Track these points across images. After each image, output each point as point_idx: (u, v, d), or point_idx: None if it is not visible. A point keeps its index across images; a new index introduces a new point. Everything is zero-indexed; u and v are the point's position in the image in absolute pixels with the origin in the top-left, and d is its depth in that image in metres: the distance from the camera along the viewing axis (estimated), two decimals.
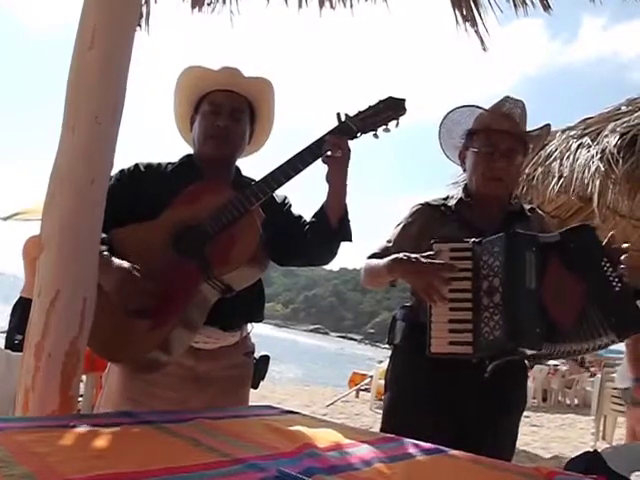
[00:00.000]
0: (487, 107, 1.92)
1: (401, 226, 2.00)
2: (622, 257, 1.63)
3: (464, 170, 2.03)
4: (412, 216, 1.99)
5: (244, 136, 1.81)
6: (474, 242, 1.73)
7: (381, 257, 1.87)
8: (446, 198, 2.01)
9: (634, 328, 1.65)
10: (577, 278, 1.63)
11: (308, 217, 1.74)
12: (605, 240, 1.68)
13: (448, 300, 1.69)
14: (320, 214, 1.67)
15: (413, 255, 1.74)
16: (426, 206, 2.00)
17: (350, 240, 1.68)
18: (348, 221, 1.67)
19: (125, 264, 1.55)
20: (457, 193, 2.02)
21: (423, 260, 1.71)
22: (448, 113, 1.97)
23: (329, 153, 1.58)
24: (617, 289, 1.60)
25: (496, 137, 1.89)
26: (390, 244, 1.96)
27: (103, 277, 1.52)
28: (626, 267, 1.63)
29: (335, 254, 1.73)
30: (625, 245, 1.73)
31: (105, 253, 1.55)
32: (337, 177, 1.62)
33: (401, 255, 1.77)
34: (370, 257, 1.95)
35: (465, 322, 1.67)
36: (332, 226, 1.64)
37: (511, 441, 1.93)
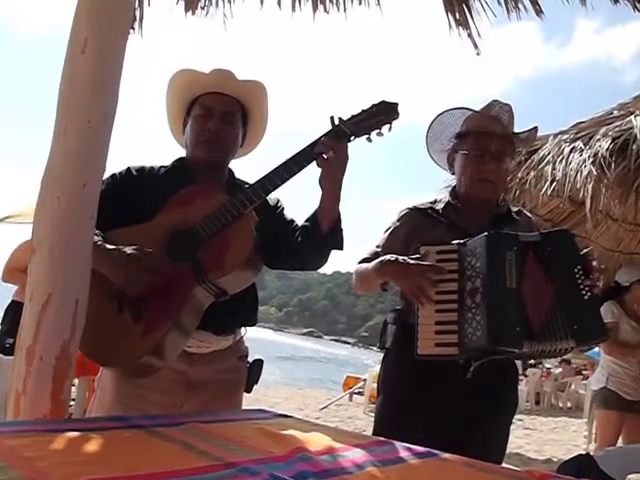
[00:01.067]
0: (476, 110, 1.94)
1: (389, 231, 2.01)
2: (597, 270, 1.65)
3: (452, 173, 2.04)
4: (400, 220, 2.01)
5: (236, 139, 1.80)
6: (459, 244, 1.74)
7: (371, 262, 1.87)
8: (434, 202, 2.02)
9: (594, 339, 1.69)
10: (549, 279, 1.64)
11: (301, 221, 1.73)
12: (584, 250, 1.70)
13: (435, 302, 1.70)
14: (311, 219, 1.66)
15: (401, 257, 1.75)
16: (414, 210, 2.01)
17: (341, 248, 1.67)
18: (340, 229, 1.65)
19: (123, 248, 1.55)
20: (445, 197, 2.03)
21: (411, 262, 1.73)
22: (436, 117, 1.98)
23: (324, 156, 1.58)
24: (585, 297, 1.62)
25: (486, 139, 1.90)
26: (379, 249, 1.97)
27: (104, 265, 1.52)
28: (599, 278, 1.65)
29: (325, 260, 1.72)
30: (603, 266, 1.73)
31: (99, 243, 1.55)
32: (330, 181, 1.61)
33: (389, 257, 1.78)
34: (360, 262, 1.96)
35: (451, 323, 1.68)
36: (322, 232, 1.62)
37: (502, 443, 1.93)
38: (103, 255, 1.53)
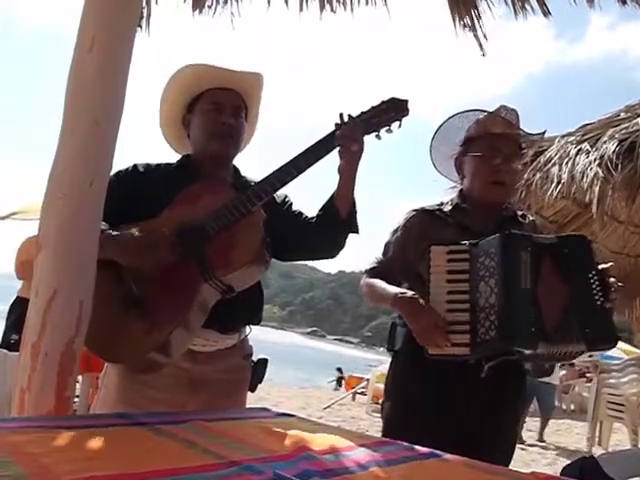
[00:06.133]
0: (483, 114, 1.93)
1: (399, 233, 1.98)
2: (614, 287, 1.65)
3: (461, 178, 2.02)
4: (409, 222, 1.98)
5: (244, 133, 1.82)
6: (470, 244, 1.73)
7: (380, 272, 1.91)
8: (440, 204, 2.01)
9: (604, 344, 1.66)
10: (564, 281, 1.64)
11: (309, 213, 1.77)
12: (604, 265, 1.69)
13: (446, 302, 1.69)
14: (329, 205, 1.68)
15: (418, 298, 1.72)
16: (421, 211, 2.00)
17: (357, 232, 1.70)
18: (356, 213, 1.69)
19: (131, 231, 1.57)
20: (452, 199, 2.01)
21: (426, 307, 1.70)
22: (443, 123, 1.97)
23: (342, 147, 1.59)
24: (598, 303, 1.62)
25: (499, 141, 1.89)
26: (389, 254, 1.96)
27: (111, 248, 1.53)
28: (615, 295, 1.65)
29: (342, 246, 1.74)
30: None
31: (105, 229, 1.55)
32: (349, 168, 1.64)
33: (409, 294, 1.76)
34: (369, 272, 1.96)
35: (463, 324, 1.67)
36: (342, 216, 1.65)
37: (510, 446, 1.92)
38: (110, 239, 1.54)
